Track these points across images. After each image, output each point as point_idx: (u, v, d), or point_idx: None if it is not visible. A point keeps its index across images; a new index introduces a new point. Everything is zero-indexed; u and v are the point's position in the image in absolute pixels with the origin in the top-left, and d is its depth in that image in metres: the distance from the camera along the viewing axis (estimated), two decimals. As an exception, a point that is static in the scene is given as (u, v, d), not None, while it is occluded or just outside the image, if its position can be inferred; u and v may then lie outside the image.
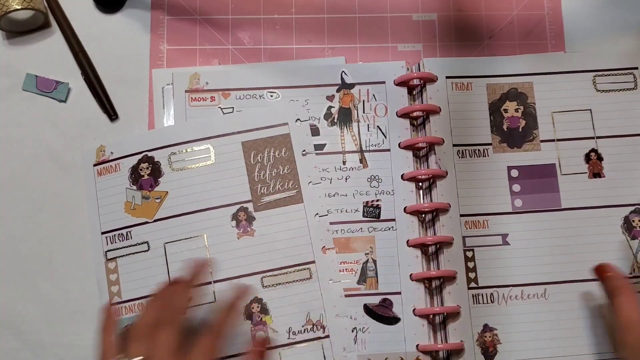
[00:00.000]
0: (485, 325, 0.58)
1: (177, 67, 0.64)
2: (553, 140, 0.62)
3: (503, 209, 0.60)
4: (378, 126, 0.62)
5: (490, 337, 0.58)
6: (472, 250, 0.59)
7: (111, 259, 0.59)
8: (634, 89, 0.63)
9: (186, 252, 0.59)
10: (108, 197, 0.60)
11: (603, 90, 0.63)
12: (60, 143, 0.62)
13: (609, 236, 0.60)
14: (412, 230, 0.59)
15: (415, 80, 0.62)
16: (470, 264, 0.59)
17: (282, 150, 0.61)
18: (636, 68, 0.63)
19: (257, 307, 0.58)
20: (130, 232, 0.59)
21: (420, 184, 0.61)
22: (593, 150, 0.62)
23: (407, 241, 0.59)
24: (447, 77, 0.62)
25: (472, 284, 0.58)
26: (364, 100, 0.62)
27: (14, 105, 0.63)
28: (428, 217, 0.60)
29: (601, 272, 0.55)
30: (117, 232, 0.60)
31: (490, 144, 0.62)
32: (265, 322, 0.58)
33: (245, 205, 0.60)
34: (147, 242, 0.59)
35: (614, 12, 0.66)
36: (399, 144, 0.61)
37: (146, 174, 0.60)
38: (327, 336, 0.58)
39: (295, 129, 0.61)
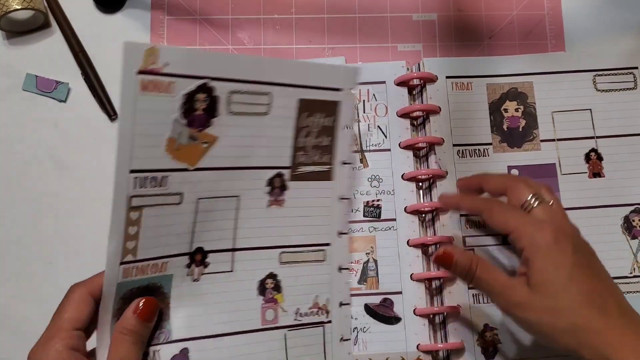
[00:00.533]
0: (486, 325, 0.58)
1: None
2: (553, 140, 0.62)
3: (503, 208, 0.60)
4: (378, 126, 0.62)
5: (490, 336, 0.58)
6: (473, 249, 0.59)
7: (136, 207, 0.46)
8: (634, 88, 0.63)
9: (216, 214, 0.51)
10: (149, 126, 0.46)
11: (603, 90, 0.63)
12: (60, 143, 0.62)
13: (608, 236, 0.60)
14: (413, 230, 0.59)
15: (415, 80, 0.62)
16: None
17: (330, 118, 0.56)
18: (636, 68, 0.63)
19: (272, 283, 0.55)
20: (166, 177, 0.47)
21: (420, 184, 0.61)
22: (593, 150, 0.62)
23: (408, 241, 0.59)
24: (447, 77, 0.62)
25: (473, 284, 0.59)
26: (364, 100, 0.62)
27: (14, 105, 0.63)
28: (428, 217, 0.60)
29: (447, 260, 0.51)
30: (150, 175, 0.47)
31: (490, 144, 0.62)
32: (276, 299, 0.55)
33: (282, 171, 0.55)
34: (181, 194, 0.49)
35: (614, 12, 0.67)
36: (399, 144, 0.61)
37: (201, 108, 0.48)
38: (330, 321, 0.57)
39: (346, 99, 0.56)
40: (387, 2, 0.66)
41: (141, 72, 0.44)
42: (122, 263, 0.46)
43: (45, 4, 0.64)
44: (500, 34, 0.66)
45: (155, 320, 0.48)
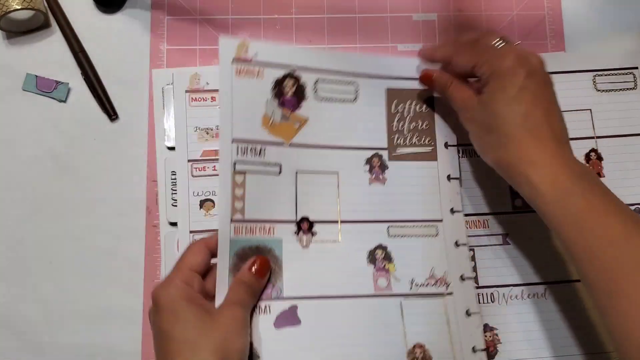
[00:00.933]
0: (486, 325, 0.58)
1: (177, 67, 0.64)
2: (553, 140, 0.62)
3: (503, 208, 0.60)
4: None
5: (490, 336, 0.58)
6: (473, 250, 0.59)
7: (240, 171, 0.55)
8: (633, 88, 0.63)
9: (317, 187, 0.58)
10: (245, 103, 0.56)
11: (603, 90, 0.63)
12: (60, 143, 0.62)
13: (609, 236, 0.60)
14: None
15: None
16: (471, 264, 0.59)
17: (423, 105, 0.61)
18: (636, 68, 0.64)
19: (382, 253, 0.57)
20: (264, 149, 0.56)
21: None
22: (593, 150, 0.62)
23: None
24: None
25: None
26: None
27: (14, 105, 0.63)
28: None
29: (428, 78, 0.59)
30: (249, 145, 0.56)
31: (490, 144, 0.62)
32: (388, 269, 0.57)
33: (380, 152, 0.59)
34: (280, 165, 0.57)
35: (614, 12, 0.67)
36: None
37: (290, 92, 0.58)
38: (451, 293, 0.57)
39: None
40: (387, 2, 0.66)
41: (235, 60, 0.56)
42: (232, 221, 0.55)
43: (45, 4, 0.64)
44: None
45: (267, 278, 0.55)
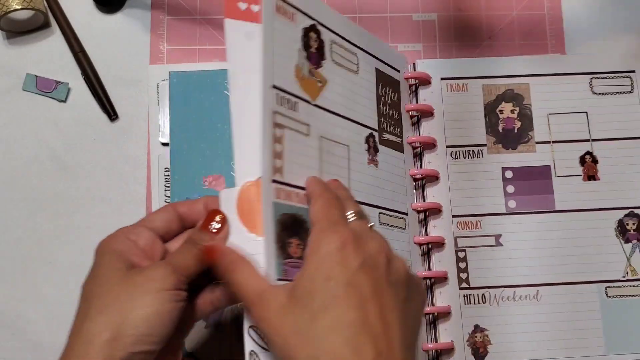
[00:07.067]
0: (476, 326, 0.59)
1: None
2: (548, 142, 0.62)
3: (496, 209, 0.61)
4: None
5: (481, 337, 0.58)
6: (464, 250, 0.60)
7: (279, 124, 0.45)
8: (630, 92, 0.63)
9: (335, 158, 0.51)
10: (283, 46, 0.47)
11: (599, 93, 0.63)
12: (60, 143, 0.63)
13: (602, 239, 0.60)
14: (406, 232, 0.60)
15: (410, 80, 0.62)
16: (462, 265, 0.59)
17: (396, 94, 0.61)
18: (633, 71, 0.63)
19: None
20: (297, 104, 0.48)
21: (415, 183, 0.61)
22: (588, 152, 0.62)
23: (400, 242, 0.60)
24: (442, 79, 0.62)
25: (464, 285, 0.59)
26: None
27: (14, 105, 0.63)
28: (421, 216, 0.61)
29: (211, 254, 0.43)
30: (287, 96, 0.47)
31: (484, 145, 0.62)
32: None
33: (374, 133, 0.57)
34: (308, 126, 0.49)
35: (614, 12, 0.66)
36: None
37: (314, 47, 0.51)
38: None
39: (404, 81, 0.62)
40: (387, 2, 0.66)
41: None
42: (273, 181, 0.44)
43: (45, 4, 0.64)
44: (500, 34, 0.66)
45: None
